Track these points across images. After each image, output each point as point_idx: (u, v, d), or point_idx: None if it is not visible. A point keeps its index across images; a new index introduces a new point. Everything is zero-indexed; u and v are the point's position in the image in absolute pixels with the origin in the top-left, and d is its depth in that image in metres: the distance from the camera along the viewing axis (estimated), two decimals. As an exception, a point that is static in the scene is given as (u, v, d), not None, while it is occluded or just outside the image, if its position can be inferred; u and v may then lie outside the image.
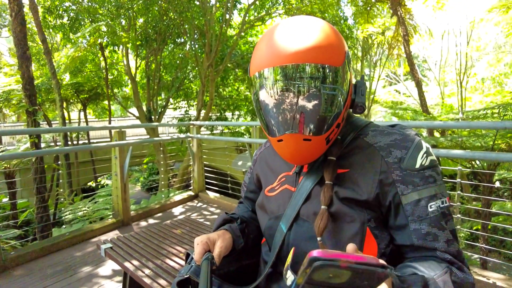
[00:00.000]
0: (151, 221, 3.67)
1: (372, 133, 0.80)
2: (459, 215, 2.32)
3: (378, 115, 13.05)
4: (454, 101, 11.61)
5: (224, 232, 0.88)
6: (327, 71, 0.71)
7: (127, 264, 1.70)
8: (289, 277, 0.63)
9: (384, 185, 0.73)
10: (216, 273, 0.93)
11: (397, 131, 0.79)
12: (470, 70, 12.39)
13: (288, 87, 0.70)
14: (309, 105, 0.71)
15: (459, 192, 2.23)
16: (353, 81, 0.85)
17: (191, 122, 4.34)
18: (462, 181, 2.13)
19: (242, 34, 11.13)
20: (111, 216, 3.60)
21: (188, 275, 0.85)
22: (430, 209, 0.70)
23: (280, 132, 0.75)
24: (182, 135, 4.26)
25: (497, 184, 7.95)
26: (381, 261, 0.47)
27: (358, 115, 0.92)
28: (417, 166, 0.73)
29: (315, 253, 0.42)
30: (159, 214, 3.88)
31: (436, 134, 7.66)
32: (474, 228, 7.21)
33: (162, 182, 9.18)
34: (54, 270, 2.48)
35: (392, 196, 0.73)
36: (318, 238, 0.73)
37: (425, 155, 0.74)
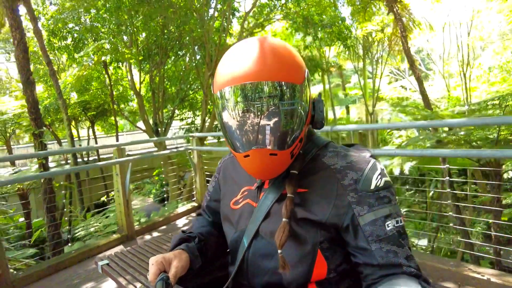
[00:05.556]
0: (155, 234, 3.75)
1: (330, 154, 0.84)
2: (449, 201, 2.32)
3: (384, 113, 12.92)
4: (460, 93, 11.45)
5: (181, 252, 0.87)
6: (290, 88, 0.75)
7: (120, 279, 1.76)
8: None
9: (340, 207, 0.76)
10: (190, 286, 0.96)
11: (353, 153, 0.83)
12: (473, 61, 12.20)
13: (253, 104, 0.74)
14: (274, 122, 0.75)
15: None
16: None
17: (191, 134, 4.43)
18: (451, 179, 2.14)
19: (243, 41, 11.24)
20: (116, 231, 3.70)
21: None
22: (387, 228, 0.73)
23: (247, 148, 0.77)
24: (181, 148, 4.36)
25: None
26: None
27: (319, 133, 0.96)
28: (372, 187, 0.76)
29: None
30: (164, 227, 3.96)
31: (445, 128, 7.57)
32: (490, 222, 7.08)
33: (168, 194, 9.30)
34: (60, 288, 2.58)
35: (350, 218, 0.75)
36: (279, 251, 0.75)
37: (379, 176, 0.77)
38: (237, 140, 0.79)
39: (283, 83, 0.74)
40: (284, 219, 0.77)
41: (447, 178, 2.12)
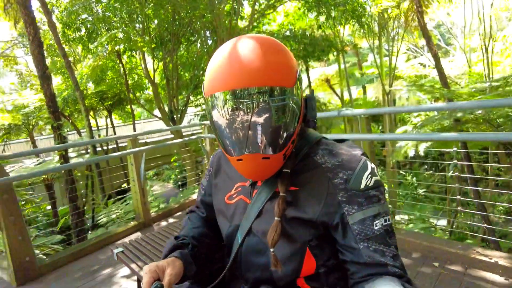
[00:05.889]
0: (171, 220, 3.89)
1: (321, 152, 0.84)
2: (457, 184, 2.30)
3: (402, 92, 12.55)
4: (483, 69, 10.96)
5: (174, 259, 0.87)
6: (281, 93, 0.75)
7: (133, 266, 1.87)
8: None
9: (330, 206, 0.78)
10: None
11: (344, 151, 0.83)
12: (496, 34, 11.58)
13: (243, 109, 0.74)
14: (265, 126, 0.75)
15: (456, 173, 2.21)
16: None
17: (202, 122, 4.49)
18: (458, 162, 2.11)
19: (254, 24, 11.10)
20: (133, 219, 3.86)
21: None
22: (375, 227, 0.75)
23: (239, 152, 0.78)
24: (193, 137, 4.44)
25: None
26: None
27: (311, 129, 0.93)
28: (362, 186, 0.77)
29: None
30: (179, 213, 4.09)
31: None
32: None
33: (186, 179, 9.50)
34: (82, 273, 2.75)
35: (340, 217, 0.77)
36: (271, 250, 0.78)
37: (369, 175, 0.78)
38: (229, 144, 0.79)
39: (274, 88, 0.74)
40: (276, 218, 0.79)
41: (455, 161, 2.09)
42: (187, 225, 1.07)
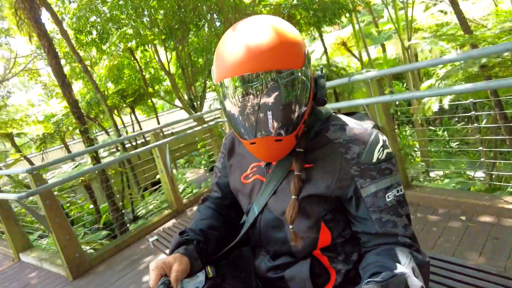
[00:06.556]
0: (202, 205, 4.06)
1: (333, 128, 0.86)
2: (478, 135, 2.24)
3: (423, 45, 11.85)
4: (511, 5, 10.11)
5: (181, 256, 0.88)
6: (289, 75, 0.75)
7: (167, 251, 2.01)
8: None
9: (343, 180, 0.81)
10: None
11: (356, 126, 0.84)
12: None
13: (253, 94, 0.75)
14: (276, 109, 0.76)
15: (477, 125, 2.14)
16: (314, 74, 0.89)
17: (219, 107, 4.55)
18: (476, 113, 2.05)
19: (260, -2, 10.82)
20: (167, 207, 4.06)
21: None
22: (388, 199, 0.78)
23: (252, 136, 0.80)
24: (212, 122, 4.53)
25: None
26: None
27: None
28: (374, 160, 0.79)
29: None
30: (209, 197, 4.25)
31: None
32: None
33: (213, 163, 9.73)
34: (125, 263, 2.98)
35: (353, 191, 0.80)
36: (290, 226, 0.84)
37: (381, 148, 0.80)
38: (241, 128, 0.81)
39: (282, 71, 0.74)
40: (293, 196, 0.83)
41: (473, 112, 2.03)
42: (196, 217, 1.09)
